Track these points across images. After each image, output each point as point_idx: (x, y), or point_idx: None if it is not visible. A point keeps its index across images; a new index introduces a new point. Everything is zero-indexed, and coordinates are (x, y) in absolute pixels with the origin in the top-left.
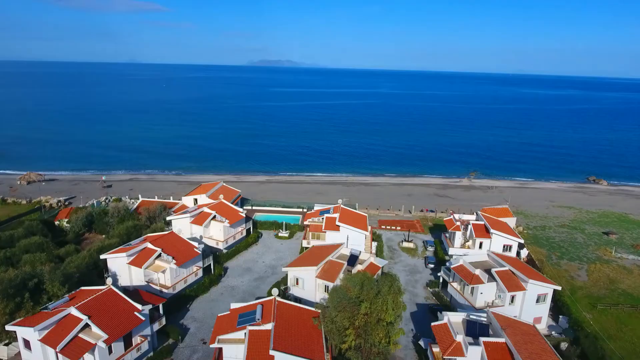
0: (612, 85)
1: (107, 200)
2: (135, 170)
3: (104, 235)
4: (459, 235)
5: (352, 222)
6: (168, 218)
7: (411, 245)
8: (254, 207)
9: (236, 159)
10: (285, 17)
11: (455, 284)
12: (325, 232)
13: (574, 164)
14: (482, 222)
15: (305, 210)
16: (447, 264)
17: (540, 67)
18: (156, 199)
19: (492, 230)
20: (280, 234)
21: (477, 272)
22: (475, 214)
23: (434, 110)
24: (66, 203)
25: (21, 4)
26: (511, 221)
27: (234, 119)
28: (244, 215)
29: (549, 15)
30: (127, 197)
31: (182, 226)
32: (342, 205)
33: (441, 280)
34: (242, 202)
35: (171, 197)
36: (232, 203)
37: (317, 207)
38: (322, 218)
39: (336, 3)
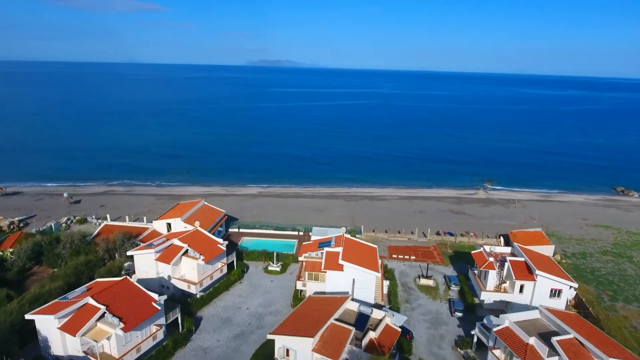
0: (614, 85)
1: (68, 222)
2: (112, 180)
3: (55, 269)
4: (492, 275)
5: (359, 258)
6: (129, 253)
7: (430, 282)
8: (241, 230)
9: (227, 167)
10: (285, 17)
11: (497, 352)
12: (325, 272)
13: (594, 172)
14: (522, 259)
15: (301, 233)
16: (485, 320)
17: (540, 67)
18: (127, 221)
19: (537, 272)
20: (270, 268)
21: (532, 340)
22: (500, 237)
23: (436, 112)
24: (21, 224)
25: (21, 4)
26: (548, 249)
27: (227, 122)
28: (225, 248)
29: (549, 15)
30: (93, 216)
31: (146, 263)
32: (345, 235)
33: (475, 339)
34: (228, 223)
35: (144, 219)
36: (215, 226)
37: (314, 237)
38: (322, 253)
39: (336, 3)
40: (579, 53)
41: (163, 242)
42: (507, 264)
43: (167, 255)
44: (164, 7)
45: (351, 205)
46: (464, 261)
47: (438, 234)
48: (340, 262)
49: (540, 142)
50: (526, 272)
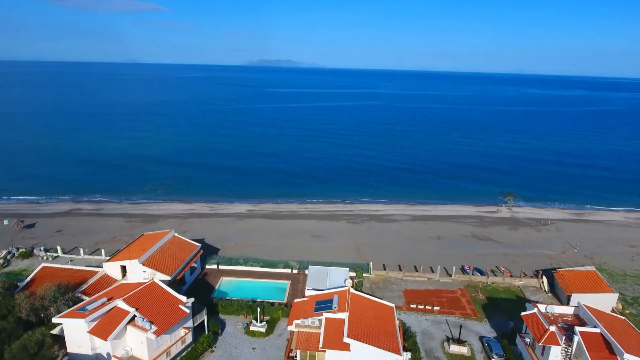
0: (617, 85)
1: (9, 256)
2: (80, 195)
3: None
4: (556, 353)
5: (372, 329)
6: (55, 319)
7: (464, 350)
8: (220, 267)
9: (213, 180)
10: (285, 17)
11: None
12: (324, 351)
13: (624, 184)
14: (597, 330)
15: (295, 271)
16: None
17: (539, 67)
18: (81, 254)
19: (626, 356)
20: (253, 328)
21: None
22: (542, 277)
23: (440, 114)
24: None
25: (21, 4)
26: (610, 299)
27: (218, 126)
28: (189, 310)
29: (548, 14)
30: (41, 248)
31: (78, 334)
32: (352, 290)
33: None
34: (204, 258)
35: (102, 252)
36: (186, 266)
37: (310, 286)
38: (320, 320)
39: (336, 3)
40: (577, 53)
41: (103, 304)
42: (576, 338)
43: (105, 326)
44: (164, 7)
45: (355, 229)
46: (501, 312)
47: (464, 270)
48: (346, 339)
49: (557, 148)
50: (606, 351)
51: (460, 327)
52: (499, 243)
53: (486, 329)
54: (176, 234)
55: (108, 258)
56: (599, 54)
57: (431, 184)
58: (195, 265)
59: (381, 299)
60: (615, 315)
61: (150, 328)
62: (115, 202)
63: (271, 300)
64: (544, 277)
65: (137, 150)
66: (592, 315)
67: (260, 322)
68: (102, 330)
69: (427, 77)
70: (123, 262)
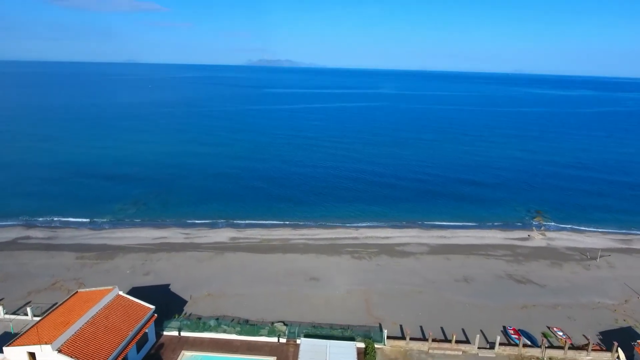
0: (624, 85)
1: None
2: (36, 215)
3: None
4: None
5: None
6: None
7: None
8: (183, 334)
9: (193, 197)
10: (285, 16)
11: None
12: None
13: None
14: None
15: (282, 340)
16: None
17: (539, 67)
18: (1, 315)
19: None
20: None
21: None
22: (618, 349)
23: (445, 116)
24: None
25: (21, 4)
26: None
27: (206, 131)
28: None
29: (546, 13)
30: None
31: None
32: None
33: None
34: (161, 321)
35: (29, 311)
36: (134, 336)
37: None
38: None
39: (336, 3)
40: (578, 52)
41: None
42: None
43: None
44: (164, 7)
45: (362, 267)
46: None
47: (508, 337)
48: None
49: (576, 156)
50: None
51: None
52: (542, 287)
53: None
54: (121, 293)
55: (11, 342)
56: (599, 53)
57: (445, 201)
58: (148, 331)
59: None
60: None
61: None
62: (74, 227)
63: None
64: (619, 351)
65: (111, 161)
66: None
67: None
68: None
69: (428, 76)
70: (31, 348)
